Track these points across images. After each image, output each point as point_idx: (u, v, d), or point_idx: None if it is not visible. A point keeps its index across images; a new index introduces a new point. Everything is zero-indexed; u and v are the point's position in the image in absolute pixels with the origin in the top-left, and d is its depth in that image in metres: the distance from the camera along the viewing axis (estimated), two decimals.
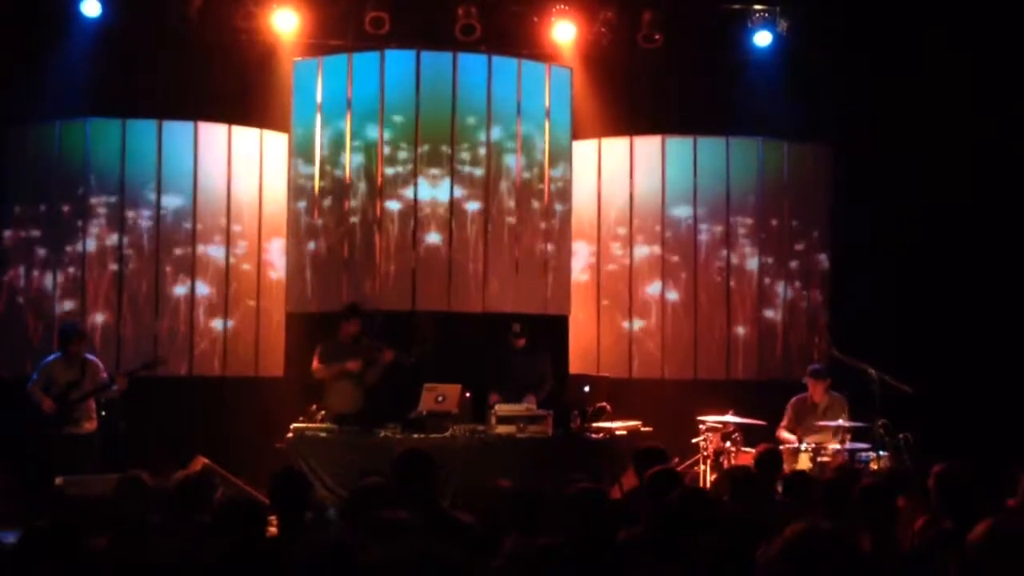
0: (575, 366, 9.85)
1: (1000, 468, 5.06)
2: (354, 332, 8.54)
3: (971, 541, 3.31)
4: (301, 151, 9.48)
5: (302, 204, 9.46)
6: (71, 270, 9.23)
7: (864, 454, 8.05)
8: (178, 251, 9.36)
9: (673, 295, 9.87)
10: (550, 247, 9.61)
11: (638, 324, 9.88)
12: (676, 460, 8.77)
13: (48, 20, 9.29)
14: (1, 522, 6.22)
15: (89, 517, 4.83)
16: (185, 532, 4.66)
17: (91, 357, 8.32)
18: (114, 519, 4.84)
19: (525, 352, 8.91)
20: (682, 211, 9.91)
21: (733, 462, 8.21)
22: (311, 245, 9.41)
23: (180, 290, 9.35)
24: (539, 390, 8.63)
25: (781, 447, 8.21)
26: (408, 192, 9.28)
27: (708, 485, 8.16)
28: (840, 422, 8.30)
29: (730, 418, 8.51)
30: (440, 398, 8.18)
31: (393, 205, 9.27)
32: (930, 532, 4.62)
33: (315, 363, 8.53)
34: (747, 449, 8.22)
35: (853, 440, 8.27)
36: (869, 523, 4.55)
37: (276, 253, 9.67)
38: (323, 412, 8.33)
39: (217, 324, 9.44)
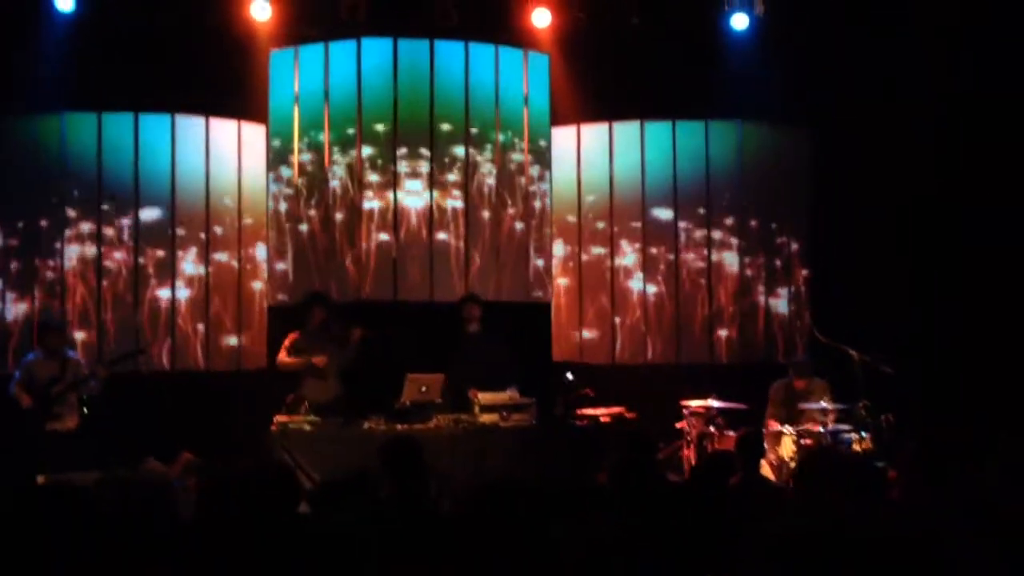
0: (558, 353, 9.88)
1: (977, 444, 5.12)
2: (319, 320, 8.51)
3: None
4: (279, 142, 9.45)
5: (281, 195, 9.44)
6: (49, 264, 9.18)
7: (847, 435, 8.09)
8: (157, 243, 9.33)
9: (655, 280, 9.88)
10: (531, 234, 9.62)
11: (620, 309, 9.89)
12: (660, 445, 8.85)
13: (21, 15, 9.21)
14: None
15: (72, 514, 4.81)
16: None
17: (72, 354, 8.30)
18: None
19: (481, 338, 8.80)
20: (662, 196, 9.91)
21: (716, 445, 8.25)
22: (291, 236, 9.39)
23: (160, 283, 9.31)
24: (506, 381, 8.46)
25: (764, 430, 8.27)
26: (388, 181, 9.26)
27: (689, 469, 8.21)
28: (823, 404, 8.34)
29: (712, 402, 8.54)
30: (423, 388, 8.17)
31: (372, 194, 9.25)
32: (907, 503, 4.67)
33: (281, 354, 8.52)
34: (730, 432, 8.26)
35: (836, 422, 8.32)
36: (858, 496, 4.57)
37: (256, 245, 9.63)
38: (305, 404, 8.31)
39: (199, 317, 9.41)
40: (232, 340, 9.53)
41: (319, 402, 8.32)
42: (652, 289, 9.88)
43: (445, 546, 4.00)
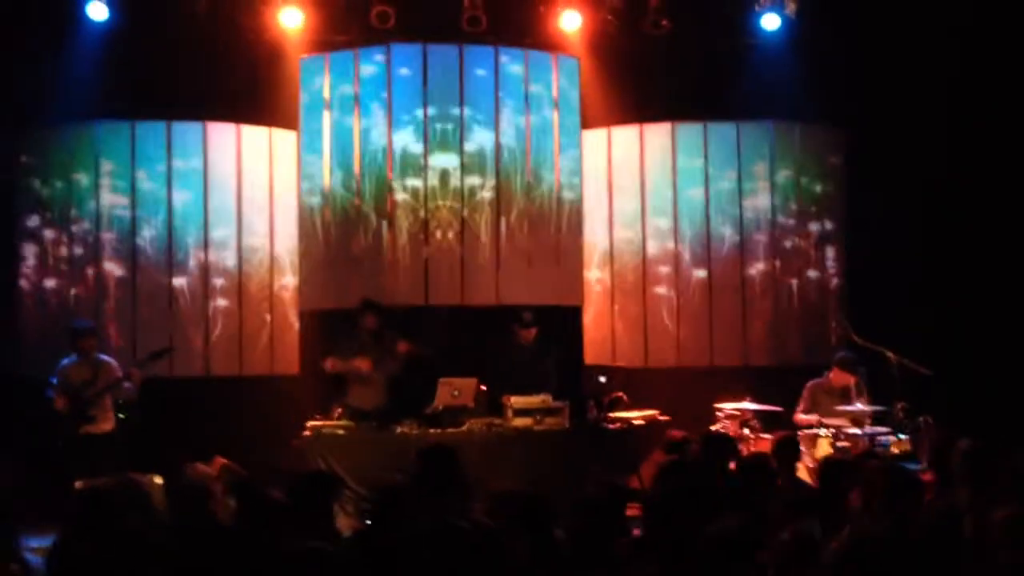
0: (590, 356, 9.83)
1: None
2: (371, 327, 8.53)
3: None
4: (310, 148, 9.48)
5: (312, 201, 9.47)
6: (85, 273, 9.26)
7: (884, 438, 7.99)
8: (190, 251, 9.38)
9: (687, 282, 9.82)
10: (562, 238, 9.58)
11: (652, 312, 9.82)
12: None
13: (55, 25, 9.29)
14: (21, 523, 6.21)
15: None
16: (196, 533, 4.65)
17: (105, 357, 8.35)
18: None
19: (534, 351, 8.81)
20: (694, 198, 9.85)
21: (751, 449, 8.18)
22: (322, 242, 9.41)
23: (193, 290, 9.36)
24: (543, 390, 8.43)
25: (799, 432, 8.18)
26: (418, 186, 9.26)
27: None
28: (859, 406, 8.25)
29: (747, 405, 8.48)
30: (455, 392, 8.17)
31: (403, 199, 9.26)
32: (941, 507, 4.60)
33: (327, 360, 8.52)
34: (765, 435, 8.19)
35: (873, 424, 8.22)
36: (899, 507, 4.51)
37: (288, 251, 9.66)
38: (340, 409, 8.33)
39: (231, 323, 9.44)
40: (265, 345, 9.56)
41: (363, 409, 8.35)
42: (686, 293, 9.81)
43: (474, 554, 3.98)
